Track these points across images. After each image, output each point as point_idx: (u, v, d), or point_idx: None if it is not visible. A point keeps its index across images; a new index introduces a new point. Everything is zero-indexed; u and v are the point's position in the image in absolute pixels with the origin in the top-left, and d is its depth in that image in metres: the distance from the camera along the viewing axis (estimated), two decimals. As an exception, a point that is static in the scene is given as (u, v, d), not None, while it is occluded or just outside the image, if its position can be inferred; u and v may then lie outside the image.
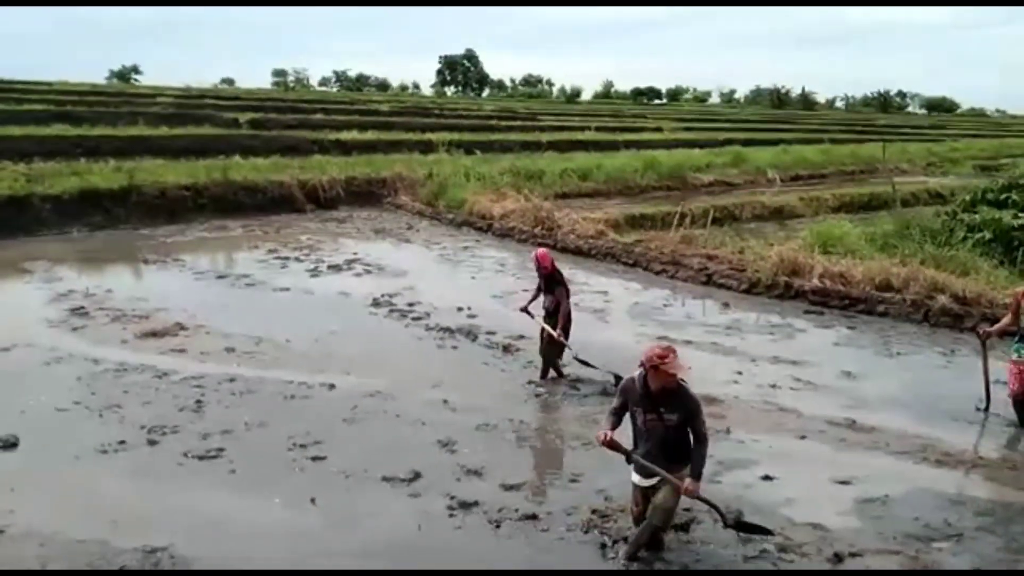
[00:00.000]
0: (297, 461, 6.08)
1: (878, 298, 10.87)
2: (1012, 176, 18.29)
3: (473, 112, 45.70)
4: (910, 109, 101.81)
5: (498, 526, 5.22)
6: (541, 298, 8.08)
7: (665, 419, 4.63)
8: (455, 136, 29.81)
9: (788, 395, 7.73)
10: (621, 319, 10.40)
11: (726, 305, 11.31)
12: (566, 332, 7.82)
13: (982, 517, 5.44)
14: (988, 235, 15.64)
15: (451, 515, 5.37)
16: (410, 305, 10.65)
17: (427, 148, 26.67)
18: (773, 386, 7.93)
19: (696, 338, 9.61)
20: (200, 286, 11.63)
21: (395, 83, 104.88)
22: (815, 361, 8.77)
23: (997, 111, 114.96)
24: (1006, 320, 7.28)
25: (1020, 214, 16.02)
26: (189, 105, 33.79)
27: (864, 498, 5.68)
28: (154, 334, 9.08)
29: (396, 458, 6.11)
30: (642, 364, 4.67)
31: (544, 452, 6.45)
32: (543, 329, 7.92)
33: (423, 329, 9.65)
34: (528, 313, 8.10)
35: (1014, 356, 7.02)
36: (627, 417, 4.87)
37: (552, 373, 7.99)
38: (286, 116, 31.46)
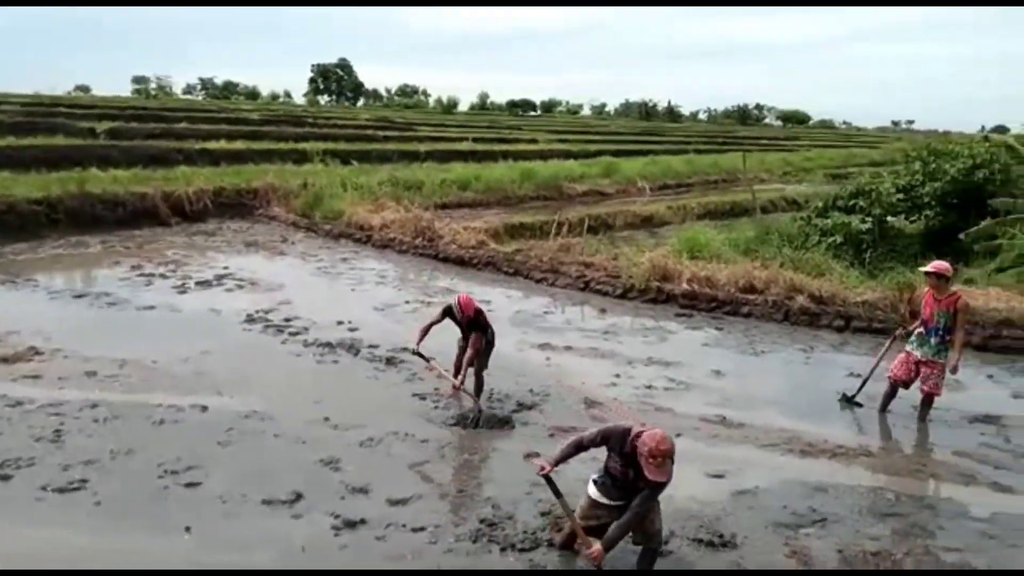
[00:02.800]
0: (169, 489, 5.75)
1: (742, 300, 11.50)
2: (858, 184, 19.81)
3: (348, 122, 44.87)
4: (767, 121, 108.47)
5: (385, 541, 5.14)
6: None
7: (637, 485, 4.59)
8: (330, 146, 29.19)
9: (663, 395, 8.03)
10: (504, 328, 10.42)
11: (603, 310, 11.64)
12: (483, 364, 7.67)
13: (841, 502, 5.85)
14: (839, 239, 16.89)
15: (336, 535, 5.23)
16: (287, 320, 10.32)
17: (301, 158, 25.97)
18: (649, 387, 8.23)
19: (576, 343, 9.83)
20: (56, 307, 10.81)
21: (265, 91, 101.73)
22: (687, 362, 9.16)
23: (844, 123, 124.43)
24: (916, 323, 7.62)
25: (867, 219, 17.41)
26: (39, 113, 31.39)
27: (737, 490, 5.99)
28: (4, 360, 8.36)
29: (276, 480, 5.90)
30: (635, 447, 4.49)
31: (431, 465, 6.38)
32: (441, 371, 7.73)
33: (301, 345, 9.37)
34: (420, 355, 7.65)
35: (908, 348, 7.52)
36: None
37: (470, 387, 7.68)
38: (148, 125, 29.76)
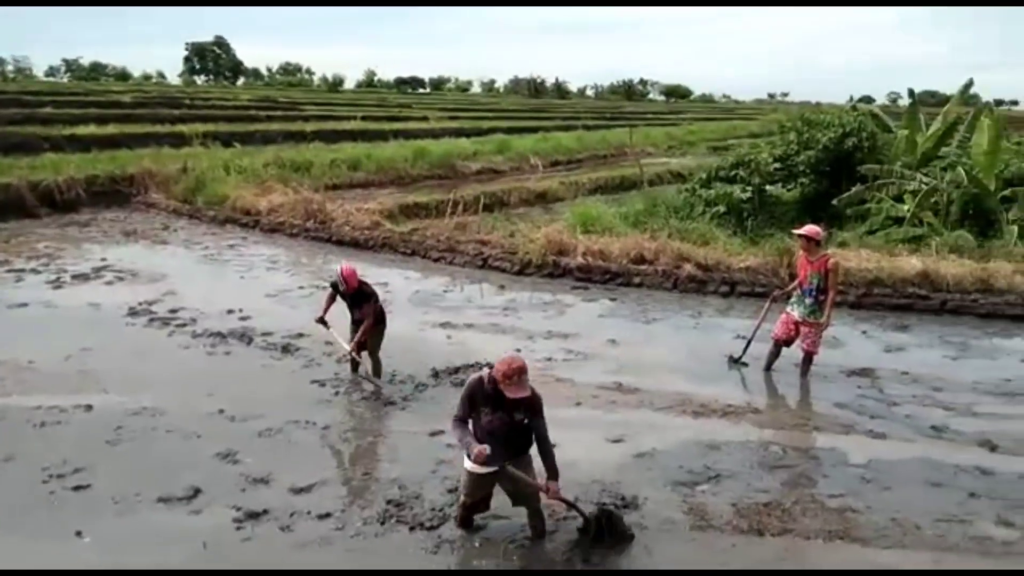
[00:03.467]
0: (56, 494, 5.44)
1: (634, 271, 11.83)
2: (738, 155, 20.66)
3: (229, 102, 43.07)
4: (651, 96, 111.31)
5: (291, 531, 5.04)
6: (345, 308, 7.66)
7: (514, 418, 4.64)
8: (210, 127, 27.93)
9: (563, 366, 8.19)
10: (403, 308, 10.38)
11: (502, 287, 11.73)
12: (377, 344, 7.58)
13: (733, 458, 6.16)
14: (722, 208, 17.60)
15: (239, 528, 5.09)
16: (172, 312, 9.88)
17: (179, 141, 24.72)
18: (549, 359, 8.37)
19: (476, 320, 9.87)
20: (-90, 309, 9.94)
21: (136, 72, 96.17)
22: (584, 333, 9.36)
23: (724, 97, 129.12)
24: (792, 284, 8.08)
25: (747, 188, 18.21)
26: None
27: (636, 453, 6.21)
28: None
29: (171, 476, 5.67)
30: (495, 382, 4.55)
31: (333, 450, 6.30)
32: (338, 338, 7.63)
33: (189, 336, 8.99)
34: (324, 323, 7.59)
35: (788, 309, 7.92)
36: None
37: (369, 370, 7.63)
38: (9, 110, 27.56)
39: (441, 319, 9.85)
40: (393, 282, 11.75)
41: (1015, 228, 14.91)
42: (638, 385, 7.66)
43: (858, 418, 6.97)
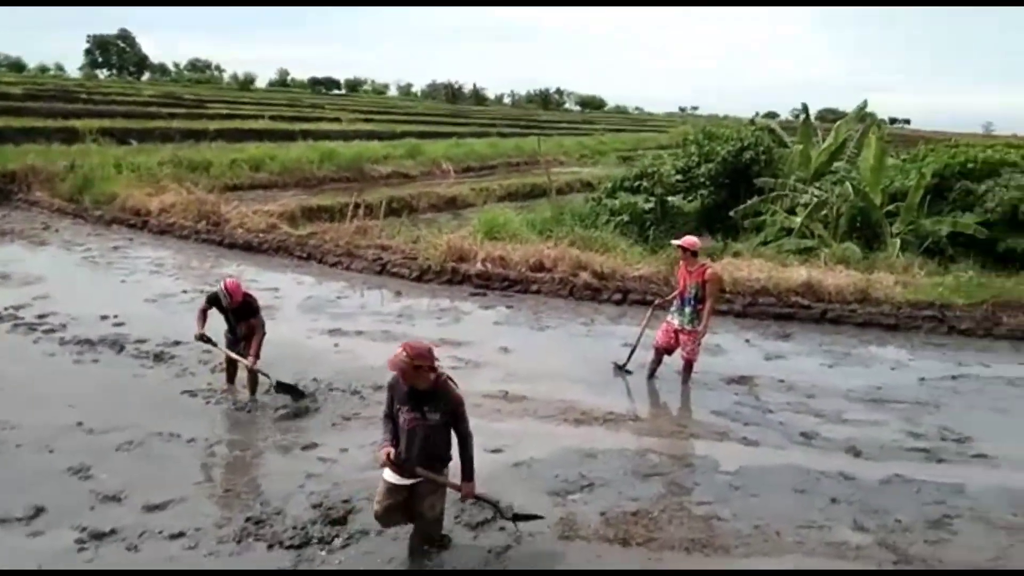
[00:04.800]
0: None
1: (532, 278, 11.84)
2: (643, 166, 21.07)
3: (129, 97, 41.26)
4: (567, 106, 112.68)
5: (137, 551, 4.75)
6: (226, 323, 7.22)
7: (428, 418, 4.46)
8: (106, 123, 26.74)
9: (452, 375, 8.04)
10: (292, 315, 10.09)
11: (398, 293, 11.54)
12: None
13: (609, 466, 6.17)
14: (626, 217, 17.90)
15: (81, 549, 4.77)
16: (40, 317, 9.29)
17: (71, 137, 23.52)
18: (437, 368, 8.23)
19: (368, 327, 9.66)
20: None
21: (32, 63, 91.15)
22: (477, 341, 9.28)
23: (637, 109, 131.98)
24: (673, 293, 8.18)
25: (650, 199, 18.56)
26: None
27: (513, 462, 6.15)
28: None
29: (13, 494, 5.28)
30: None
31: (196, 465, 5.98)
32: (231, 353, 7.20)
33: (56, 343, 8.46)
34: (208, 340, 7.05)
35: (669, 317, 8.02)
36: None
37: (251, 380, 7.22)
38: None
39: (331, 326, 9.60)
40: (285, 287, 11.41)
41: (897, 241, 15.69)
42: (525, 393, 7.61)
43: (733, 425, 7.11)
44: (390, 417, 4.63)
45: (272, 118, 37.22)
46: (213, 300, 7.01)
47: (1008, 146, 19.59)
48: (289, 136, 30.93)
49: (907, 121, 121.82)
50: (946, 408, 7.74)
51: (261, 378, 7.13)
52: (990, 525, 5.52)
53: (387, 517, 4.68)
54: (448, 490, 4.69)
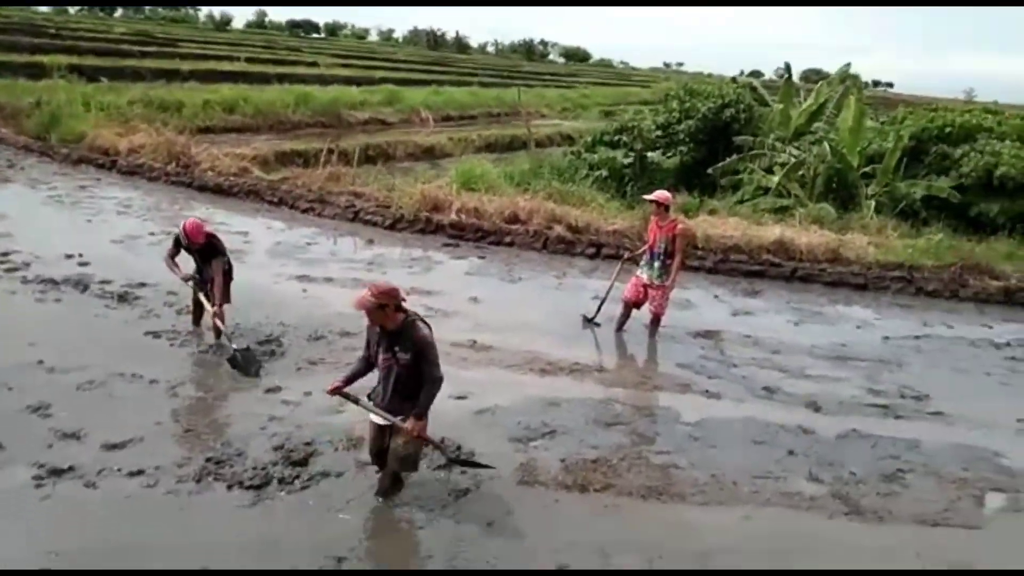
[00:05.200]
0: None
1: (506, 230, 11.78)
2: (623, 121, 20.92)
3: (100, 34, 40.03)
4: (551, 57, 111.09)
5: (95, 488, 4.74)
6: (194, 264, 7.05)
7: (399, 358, 4.51)
8: (75, 60, 25.98)
9: (424, 318, 8.02)
10: (260, 260, 9.97)
11: (370, 241, 11.44)
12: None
13: (572, 415, 6.22)
14: (605, 172, 17.82)
15: (38, 485, 4.75)
16: (3, 255, 9.09)
17: (38, 72, 22.80)
18: (407, 316, 8.20)
19: (338, 275, 9.58)
20: None
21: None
22: (448, 290, 9.24)
23: (622, 63, 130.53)
24: (643, 247, 8.18)
25: (629, 154, 18.46)
26: None
27: (477, 409, 6.18)
28: None
29: (-31, 432, 5.22)
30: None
31: (158, 406, 5.92)
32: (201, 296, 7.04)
33: (19, 282, 8.31)
34: (179, 273, 6.94)
35: (639, 272, 8.03)
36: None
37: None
38: None
39: (300, 272, 9.51)
40: (254, 232, 11.26)
41: (872, 203, 15.77)
42: (492, 343, 7.62)
43: (697, 378, 7.18)
44: (366, 359, 4.72)
45: (248, 60, 36.32)
46: (179, 242, 6.90)
47: (986, 112, 19.62)
48: (265, 79, 30.22)
49: (890, 85, 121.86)
50: (908, 367, 7.87)
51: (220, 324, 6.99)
52: (941, 480, 5.66)
53: (379, 458, 4.82)
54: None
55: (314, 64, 40.87)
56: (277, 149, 18.44)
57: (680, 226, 7.75)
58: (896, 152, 16.41)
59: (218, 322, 6.82)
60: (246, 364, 6.58)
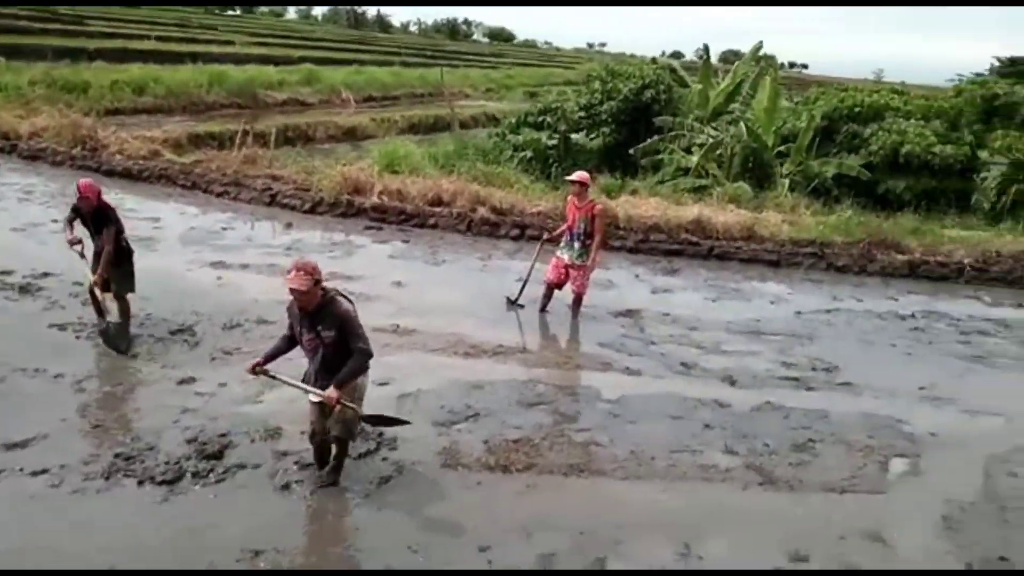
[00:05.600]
0: None
1: (429, 212, 11.68)
2: (546, 103, 20.96)
3: (-4, 9, 37.68)
4: (475, 37, 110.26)
5: (-8, 491, 4.51)
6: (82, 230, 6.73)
7: (323, 337, 4.46)
8: (-33, 37, 24.43)
9: (344, 292, 7.89)
10: (172, 246, 9.63)
11: (289, 225, 11.18)
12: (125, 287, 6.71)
13: (495, 397, 6.25)
14: (530, 153, 17.83)
15: (-73, 491, 4.49)
16: None
17: (-73, 51, 21.38)
18: (327, 302, 8.06)
19: (253, 260, 9.33)
20: None
21: None
22: (370, 275, 9.12)
23: (546, 43, 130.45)
24: (562, 228, 8.21)
25: (554, 135, 18.53)
26: None
27: (400, 394, 6.14)
28: None
29: None
30: None
31: (63, 401, 5.67)
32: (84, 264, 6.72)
33: (-93, 275, 7.82)
34: (69, 235, 6.62)
35: (559, 254, 8.07)
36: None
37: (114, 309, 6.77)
38: None
39: (214, 258, 9.22)
40: (167, 218, 10.87)
41: (786, 181, 16.29)
42: (416, 327, 7.57)
43: (618, 356, 7.30)
44: (288, 337, 4.69)
45: (159, 38, 34.80)
46: (75, 209, 6.61)
47: (893, 91, 20.45)
48: (177, 58, 28.99)
49: (805, 66, 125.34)
50: (818, 340, 8.18)
51: (119, 310, 6.71)
52: (849, 448, 5.91)
53: (319, 436, 4.77)
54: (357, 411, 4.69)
55: (229, 43, 39.48)
56: (191, 131, 17.78)
57: (599, 206, 7.84)
58: (809, 131, 16.97)
59: (97, 291, 6.50)
60: (117, 339, 6.44)
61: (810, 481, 5.38)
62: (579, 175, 7.86)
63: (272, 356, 4.68)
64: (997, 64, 47.32)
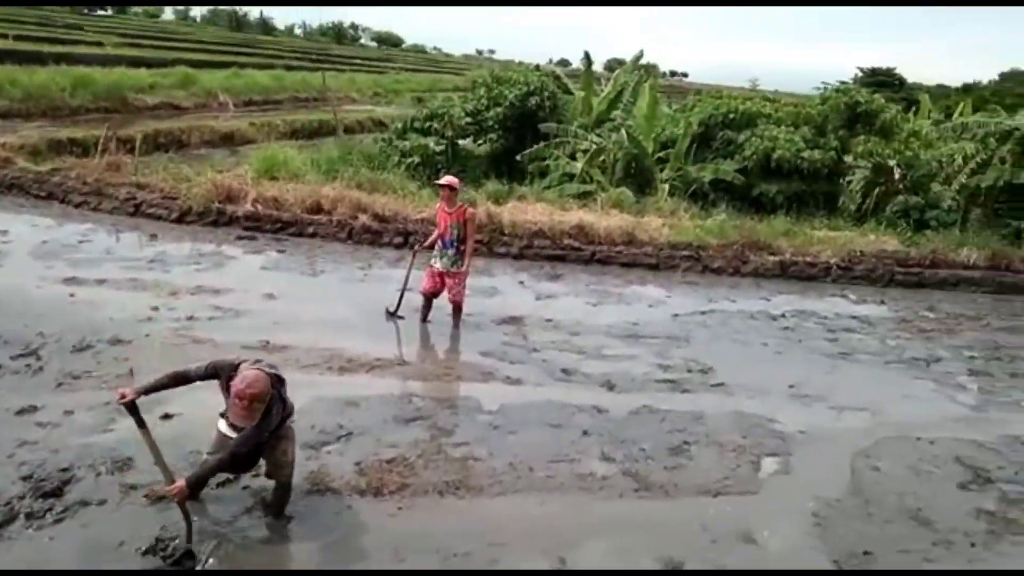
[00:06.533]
0: None
1: (308, 220, 11.29)
2: (432, 108, 20.74)
3: None
4: (363, 41, 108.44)
5: None
6: None
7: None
8: None
9: (206, 325, 7.47)
10: (21, 262, 8.88)
11: (154, 237, 10.53)
12: None
13: (370, 414, 6.00)
14: (417, 159, 17.56)
15: None
16: None
17: None
18: (191, 318, 7.59)
19: (113, 275, 8.70)
20: None
21: None
22: (240, 287, 8.68)
23: (435, 49, 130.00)
24: (434, 235, 8.01)
25: (441, 141, 18.32)
26: None
27: (264, 417, 5.78)
28: None
29: None
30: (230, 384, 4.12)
31: None
32: None
33: None
34: None
35: (432, 262, 7.88)
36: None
37: None
38: None
39: (68, 274, 8.55)
40: (16, 230, 10.03)
41: (666, 186, 16.70)
42: (288, 343, 7.22)
43: (499, 365, 7.20)
44: (179, 378, 4.28)
45: (17, 38, 32.42)
46: None
47: (764, 99, 21.39)
48: (38, 59, 27.02)
49: (685, 74, 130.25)
50: (694, 342, 8.34)
51: None
52: (722, 449, 6.00)
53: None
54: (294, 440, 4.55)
55: (98, 44, 37.25)
56: (51, 137, 16.51)
57: (469, 210, 7.77)
58: (686, 138, 17.49)
59: None
60: None
61: (685, 485, 5.42)
62: (448, 179, 7.75)
63: (152, 390, 4.24)
64: (860, 74, 50.69)
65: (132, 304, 7.80)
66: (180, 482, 4.07)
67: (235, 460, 4.27)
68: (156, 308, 7.74)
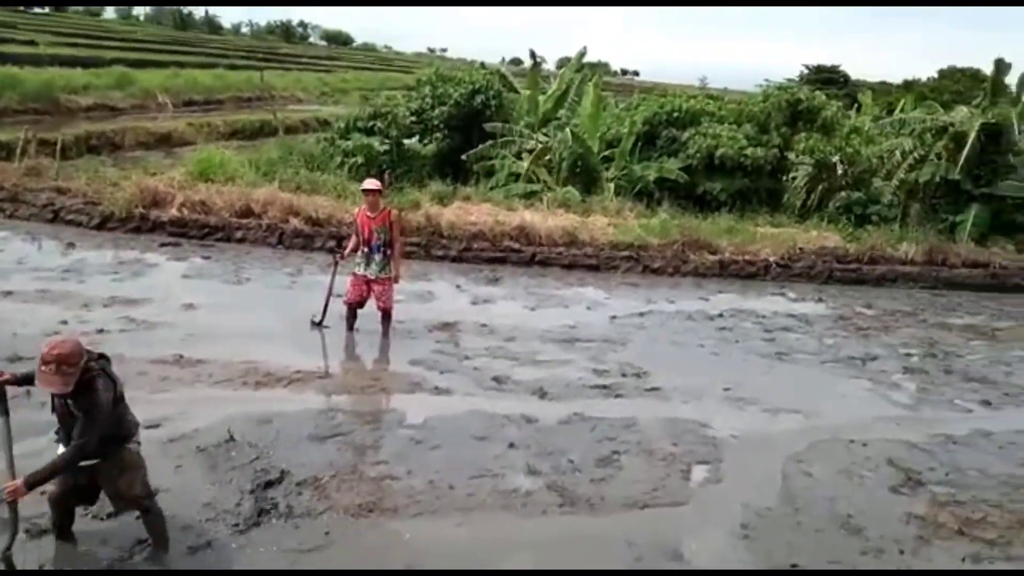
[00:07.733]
0: None
1: (236, 224, 10.89)
2: (376, 107, 20.32)
3: None
4: (311, 40, 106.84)
5: None
6: None
7: (72, 411, 3.83)
8: None
9: (117, 339, 7.04)
10: (-81, 274, 8.34)
11: (71, 245, 10.01)
12: None
13: (284, 432, 5.67)
14: (360, 160, 17.16)
15: None
16: None
17: None
18: (101, 331, 7.18)
19: (21, 286, 8.22)
20: None
21: None
22: (158, 297, 8.27)
23: (386, 47, 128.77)
24: (352, 241, 7.69)
25: (385, 141, 17.93)
26: None
27: (169, 438, 5.44)
28: None
29: None
30: None
31: None
32: None
33: None
34: None
35: (357, 270, 7.57)
36: None
37: None
38: None
39: (-30, 287, 8.04)
40: (-83, 241, 9.44)
41: (612, 185, 16.59)
42: (203, 356, 6.85)
43: (428, 375, 6.94)
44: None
45: (-59, 36, 31.13)
46: None
47: (708, 97, 21.43)
48: (-35, 60, 25.98)
49: (636, 73, 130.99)
50: (631, 345, 8.18)
51: None
52: (652, 457, 5.83)
53: (62, 499, 4.11)
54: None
55: (31, 43, 35.92)
56: (-30, 140, 15.81)
57: (394, 212, 7.52)
58: (631, 136, 17.41)
59: None
60: None
61: (612, 498, 5.22)
62: (373, 182, 7.46)
63: (26, 381, 4.01)
64: (806, 71, 51.48)
65: (39, 318, 7.34)
66: (19, 480, 3.73)
67: (82, 453, 3.84)
68: (65, 322, 7.29)
